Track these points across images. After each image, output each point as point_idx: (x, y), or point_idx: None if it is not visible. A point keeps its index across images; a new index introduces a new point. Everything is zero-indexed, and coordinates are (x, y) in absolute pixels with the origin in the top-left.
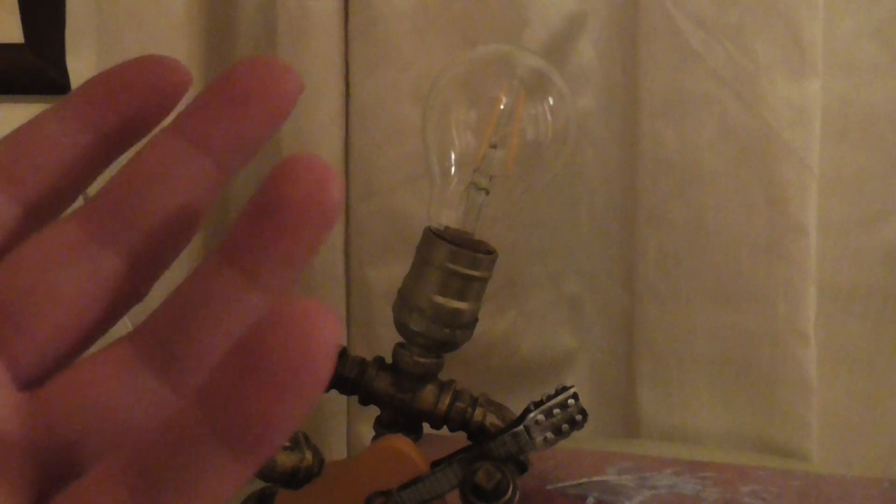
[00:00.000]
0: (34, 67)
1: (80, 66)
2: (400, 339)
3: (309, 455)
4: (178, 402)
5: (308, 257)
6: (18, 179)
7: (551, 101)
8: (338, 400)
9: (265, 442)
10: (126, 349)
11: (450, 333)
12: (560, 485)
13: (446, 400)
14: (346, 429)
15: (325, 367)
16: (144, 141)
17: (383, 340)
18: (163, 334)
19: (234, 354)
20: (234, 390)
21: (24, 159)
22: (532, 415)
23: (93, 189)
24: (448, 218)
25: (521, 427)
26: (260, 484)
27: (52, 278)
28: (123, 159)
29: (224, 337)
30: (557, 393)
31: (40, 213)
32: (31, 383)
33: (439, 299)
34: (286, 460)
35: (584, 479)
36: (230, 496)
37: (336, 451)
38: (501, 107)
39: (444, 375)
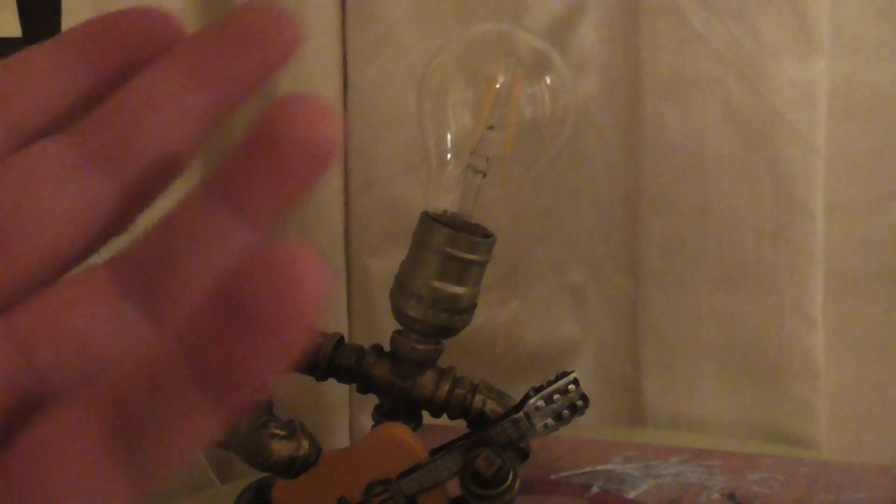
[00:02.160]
0: None
1: None
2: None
3: (305, 444)
4: (158, 338)
5: (301, 196)
6: (8, 106)
7: (549, 80)
8: (340, 391)
9: (244, 389)
10: (105, 278)
11: (448, 319)
12: (564, 474)
13: (446, 387)
14: (348, 420)
15: (310, 314)
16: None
17: (384, 330)
18: (145, 266)
19: (216, 297)
20: (215, 335)
21: (17, 88)
22: (532, 401)
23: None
24: (445, 202)
25: (521, 413)
26: (258, 474)
27: (40, 196)
28: None
29: (210, 272)
30: (558, 378)
31: (23, 140)
32: (2, 305)
33: (437, 284)
34: (282, 449)
35: (588, 468)
36: (204, 442)
37: (339, 443)
38: (498, 86)
39: (445, 365)
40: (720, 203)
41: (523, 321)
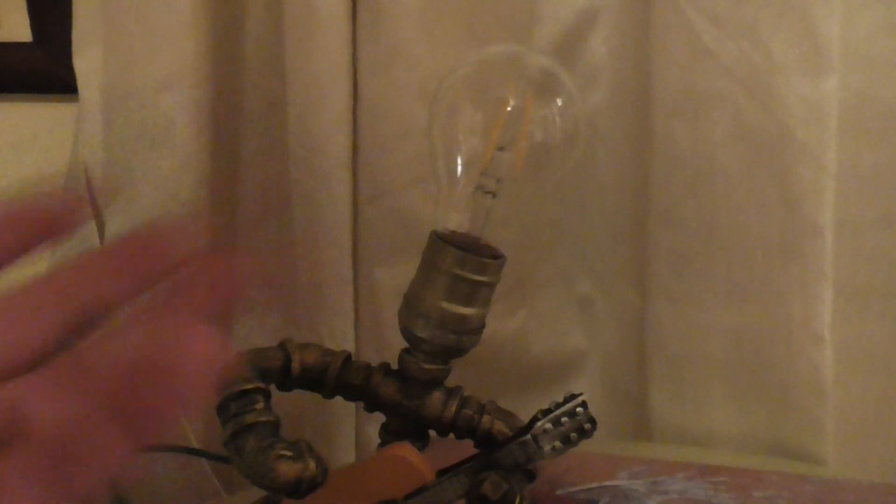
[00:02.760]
0: (42, 66)
1: (86, 65)
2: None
3: (312, 465)
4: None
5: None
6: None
7: (560, 103)
8: (346, 405)
9: (152, 429)
10: None
11: (456, 340)
12: (570, 489)
13: (453, 407)
14: (354, 431)
15: (204, 382)
16: None
17: (392, 342)
18: None
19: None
20: (132, 392)
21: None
22: (540, 423)
23: None
24: (455, 222)
25: (528, 436)
26: (261, 493)
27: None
28: None
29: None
30: (566, 401)
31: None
32: None
33: (446, 305)
34: (289, 470)
35: (594, 484)
36: (121, 467)
37: (344, 453)
38: (509, 108)
39: (452, 377)
40: (729, 218)
41: (530, 333)
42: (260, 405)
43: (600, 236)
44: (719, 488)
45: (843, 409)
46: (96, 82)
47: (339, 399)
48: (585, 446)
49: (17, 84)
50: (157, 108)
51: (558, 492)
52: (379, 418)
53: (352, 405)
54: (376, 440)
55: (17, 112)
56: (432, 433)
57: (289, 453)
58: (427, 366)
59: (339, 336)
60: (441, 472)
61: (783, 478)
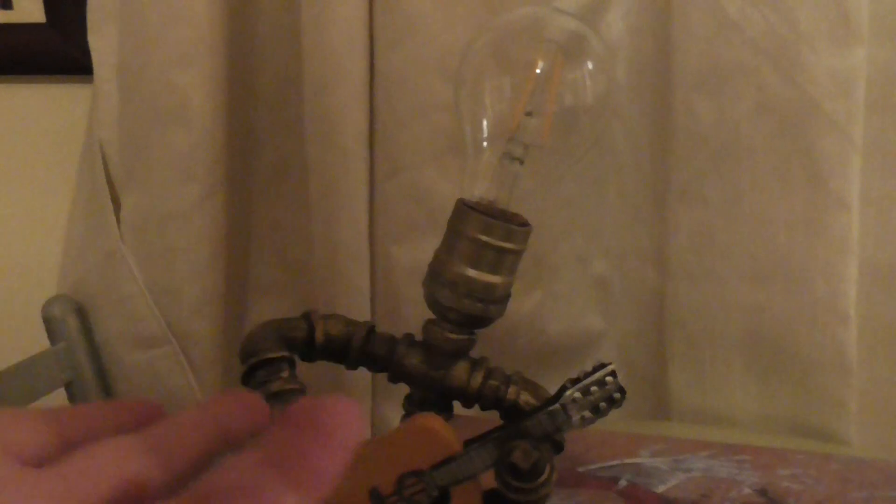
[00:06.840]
0: (56, 47)
1: (101, 43)
2: (427, 316)
3: None
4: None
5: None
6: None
7: (590, 66)
8: (363, 380)
9: (323, 484)
10: None
11: (482, 308)
12: (591, 467)
13: (479, 377)
14: (370, 409)
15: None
16: None
17: (409, 319)
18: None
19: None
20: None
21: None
22: (569, 392)
23: None
24: (481, 189)
25: (557, 405)
26: None
27: None
28: None
29: None
30: (595, 370)
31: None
32: None
33: (472, 273)
34: None
35: (616, 462)
36: None
37: None
38: (537, 72)
39: (477, 356)
40: (752, 194)
41: (547, 313)
42: (286, 373)
43: (618, 215)
44: (743, 466)
45: (868, 388)
46: (111, 60)
47: (354, 378)
48: (605, 425)
49: (30, 65)
50: (172, 85)
51: (580, 469)
52: (395, 397)
53: (367, 384)
54: (392, 420)
55: (31, 93)
56: (457, 405)
57: None
58: (453, 335)
59: (356, 314)
60: (468, 443)
61: (808, 456)
